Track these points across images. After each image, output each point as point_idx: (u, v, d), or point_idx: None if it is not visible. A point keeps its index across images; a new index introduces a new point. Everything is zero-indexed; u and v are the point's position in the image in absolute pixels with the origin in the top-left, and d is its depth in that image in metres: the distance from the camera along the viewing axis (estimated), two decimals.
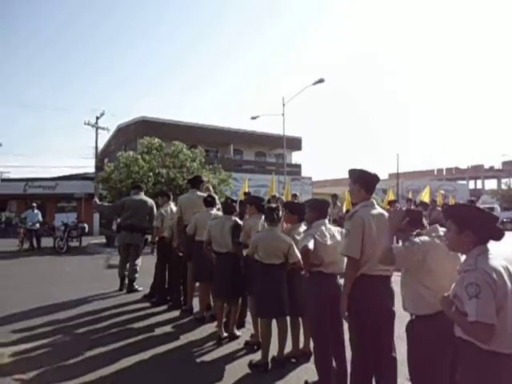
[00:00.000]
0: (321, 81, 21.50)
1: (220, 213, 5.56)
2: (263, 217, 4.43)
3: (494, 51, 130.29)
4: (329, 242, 3.43)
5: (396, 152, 60.71)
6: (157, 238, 6.68)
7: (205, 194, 5.92)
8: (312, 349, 3.67)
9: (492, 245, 2.12)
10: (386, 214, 3.02)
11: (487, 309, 1.84)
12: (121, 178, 16.95)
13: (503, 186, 46.58)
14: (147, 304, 6.29)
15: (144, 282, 7.09)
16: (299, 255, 3.73)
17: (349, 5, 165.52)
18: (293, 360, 4.01)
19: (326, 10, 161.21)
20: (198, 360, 4.13)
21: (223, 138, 36.80)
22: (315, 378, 3.45)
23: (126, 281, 7.21)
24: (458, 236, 2.13)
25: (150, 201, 7.44)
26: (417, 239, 2.50)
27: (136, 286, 7.19)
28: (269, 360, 3.89)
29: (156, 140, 18.02)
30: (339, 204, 11.60)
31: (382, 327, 2.87)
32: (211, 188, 6.74)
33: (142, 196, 7.49)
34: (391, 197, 13.42)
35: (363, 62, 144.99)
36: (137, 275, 7.23)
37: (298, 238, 3.94)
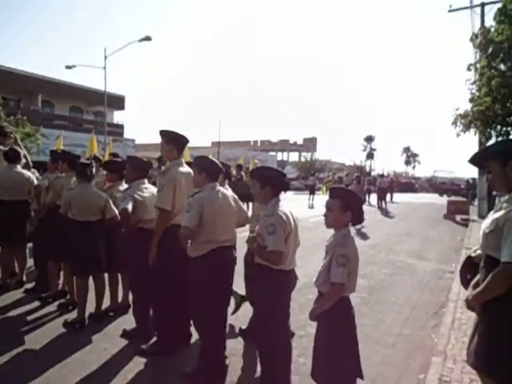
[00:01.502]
0: (147, 38, 20.52)
1: (25, 172, 4.96)
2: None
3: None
4: (148, 201, 3.59)
5: (219, 121, 63.78)
6: None
7: (5, 148, 5.15)
8: (131, 301, 3.88)
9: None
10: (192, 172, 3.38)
11: (280, 241, 2.54)
12: None
13: (302, 159, 55.32)
14: None
15: None
16: (116, 210, 3.79)
17: None
18: (111, 314, 4.13)
19: None
20: (4, 326, 3.80)
21: (29, 85, 31.16)
22: (133, 326, 3.70)
23: None
24: (261, 190, 2.76)
25: None
26: (191, 199, 2.89)
27: None
28: (86, 317, 3.90)
29: None
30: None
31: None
32: (19, 141, 5.84)
33: None
34: None
35: (192, 27, 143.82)
36: None
37: (117, 195, 3.97)
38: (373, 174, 38.17)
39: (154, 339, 3.43)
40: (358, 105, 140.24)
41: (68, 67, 22.46)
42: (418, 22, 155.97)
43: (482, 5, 13.93)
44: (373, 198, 21.12)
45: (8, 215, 4.71)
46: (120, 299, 4.27)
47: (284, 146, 68.61)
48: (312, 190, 20.58)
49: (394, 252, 8.25)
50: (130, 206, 3.41)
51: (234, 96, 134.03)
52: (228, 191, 3.11)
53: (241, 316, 3.74)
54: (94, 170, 4.02)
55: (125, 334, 3.66)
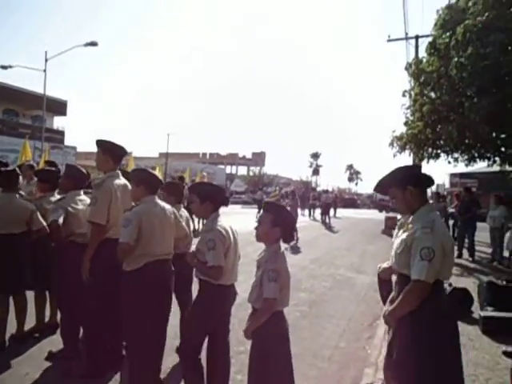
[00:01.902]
0: (93, 44, 19.87)
1: None
2: None
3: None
4: (82, 214, 3.39)
5: (168, 132, 62.52)
6: None
7: None
8: (59, 320, 3.62)
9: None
10: (129, 184, 3.22)
11: (219, 257, 2.52)
12: None
13: (251, 173, 55.91)
14: None
15: None
16: (44, 222, 3.55)
17: None
18: (36, 335, 3.81)
19: None
20: None
21: None
22: (61, 347, 3.44)
23: None
24: (200, 206, 2.74)
25: None
26: (128, 213, 2.77)
27: None
28: (6, 339, 3.57)
29: None
30: None
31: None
32: None
33: None
34: (157, 173, 14.05)
35: (143, 34, 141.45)
36: None
37: (48, 207, 3.70)
38: (318, 189, 39.55)
39: (83, 360, 3.21)
40: (306, 122, 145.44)
41: (3, 67, 20.98)
42: (362, 50, 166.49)
43: (417, 37, 15.18)
44: (316, 213, 21.81)
45: None
46: (47, 318, 3.96)
47: (233, 159, 68.88)
48: (260, 205, 20.78)
49: (334, 266, 8.52)
50: (60, 219, 3.20)
51: (184, 107, 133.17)
52: (167, 205, 3.04)
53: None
54: (20, 178, 3.73)
55: (50, 357, 3.39)
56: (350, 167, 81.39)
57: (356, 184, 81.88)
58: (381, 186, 2.27)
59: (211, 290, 2.60)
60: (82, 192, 3.61)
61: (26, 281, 3.63)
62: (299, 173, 77.71)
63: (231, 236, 2.70)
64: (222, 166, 64.61)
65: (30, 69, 22.49)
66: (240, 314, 4.43)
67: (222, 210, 2.81)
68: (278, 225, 2.31)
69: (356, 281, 7.27)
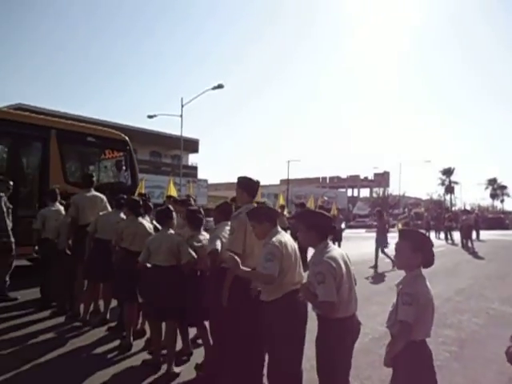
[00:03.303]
0: (220, 86, 22.05)
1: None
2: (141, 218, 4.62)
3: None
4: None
5: (287, 159, 64.50)
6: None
7: (98, 194, 5.83)
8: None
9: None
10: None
11: (330, 291, 2.42)
12: None
13: (374, 195, 53.41)
14: (24, 311, 5.72)
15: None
16: (193, 253, 3.88)
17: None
18: (184, 358, 4.14)
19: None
20: (87, 364, 3.99)
21: None
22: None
23: None
24: (306, 234, 2.70)
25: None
26: (271, 246, 2.79)
27: (9, 295, 6.37)
28: (161, 358, 3.97)
29: None
30: None
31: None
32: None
33: None
34: (281, 201, 14.41)
35: (264, 70, 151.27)
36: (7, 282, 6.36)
37: (197, 244, 3.98)
38: (454, 209, 35.20)
39: None
40: (435, 135, 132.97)
41: (150, 117, 24.79)
42: (493, 47, 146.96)
43: None
44: (454, 236, 19.39)
45: (100, 253, 5.04)
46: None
47: (354, 181, 66.98)
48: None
49: (485, 298, 7.37)
50: (218, 246, 3.47)
51: (303, 134, 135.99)
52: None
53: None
54: (173, 214, 4.22)
55: (199, 378, 3.64)
56: (492, 181, 71.21)
57: (502, 201, 71.14)
58: None
59: (328, 326, 2.51)
60: (229, 222, 3.84)
61: (174, 310, 3.90)
62: (429, 191, 70.69)
63: (343, 265, 2.55)
64: (343, 190, 63.29)
65: (170, 115, 26.15)
66: (380, 350, 4.12)
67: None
68: (418, 250, 2.27)
69: None
